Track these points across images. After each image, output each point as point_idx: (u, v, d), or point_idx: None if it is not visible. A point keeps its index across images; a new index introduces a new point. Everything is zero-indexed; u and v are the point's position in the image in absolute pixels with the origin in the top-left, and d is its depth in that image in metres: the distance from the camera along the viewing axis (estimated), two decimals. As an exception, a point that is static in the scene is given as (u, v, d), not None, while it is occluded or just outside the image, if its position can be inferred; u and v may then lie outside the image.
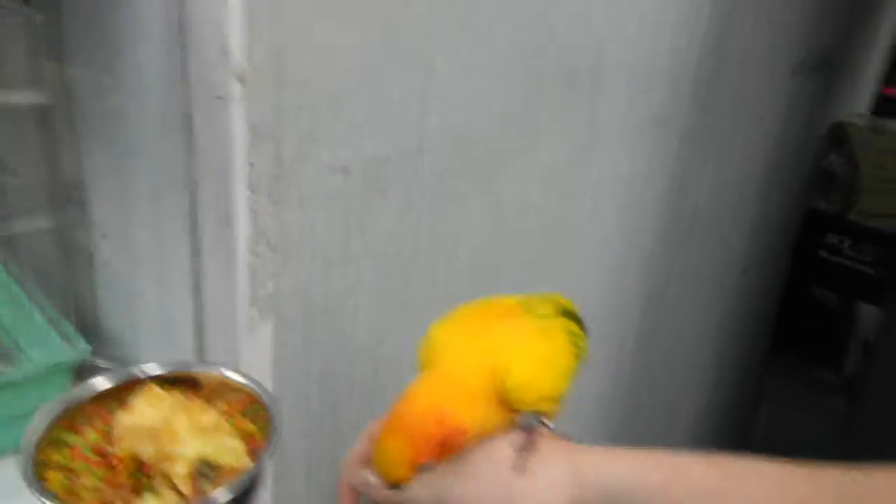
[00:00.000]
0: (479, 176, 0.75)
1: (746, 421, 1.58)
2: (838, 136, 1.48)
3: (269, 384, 0.65)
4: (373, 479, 0.40)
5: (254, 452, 0.44)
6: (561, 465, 0.36)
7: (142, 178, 0.66)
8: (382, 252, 0.71)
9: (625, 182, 0.90)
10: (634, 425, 1.15)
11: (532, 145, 0.78)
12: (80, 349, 0.68)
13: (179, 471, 0.40)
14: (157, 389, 0.46)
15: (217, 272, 0.61)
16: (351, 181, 0.64)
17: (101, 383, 0.46)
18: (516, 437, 0.38)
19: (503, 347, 0.38)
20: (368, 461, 0.41)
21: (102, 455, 0.43)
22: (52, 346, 0.69)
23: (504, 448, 0.37)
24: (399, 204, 0.70)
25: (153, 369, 0.47)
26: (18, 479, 0.64)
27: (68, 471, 0.42)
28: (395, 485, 0.37)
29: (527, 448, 0.37)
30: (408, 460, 0.36)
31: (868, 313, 1.58)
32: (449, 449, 0.36)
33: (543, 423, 0.39)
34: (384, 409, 0.81)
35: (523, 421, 0.39)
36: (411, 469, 0.36)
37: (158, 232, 0.65)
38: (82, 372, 0.68)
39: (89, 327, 0.76)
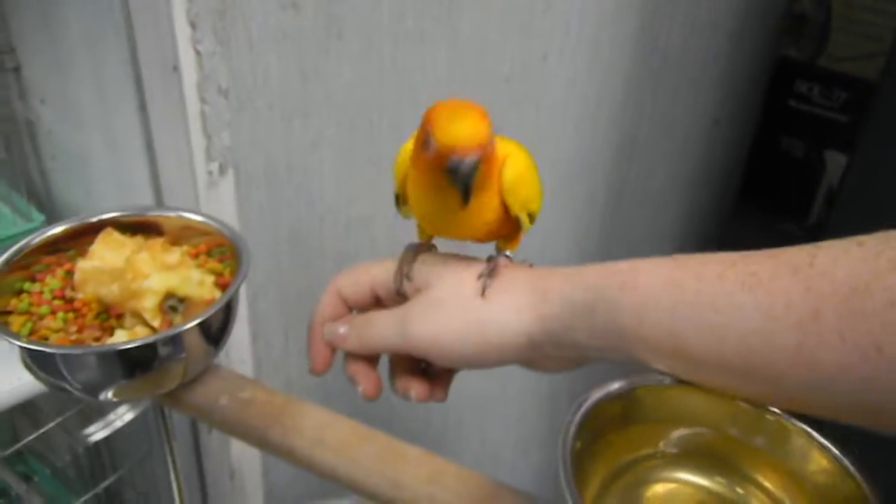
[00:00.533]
0: (439, 12, 0.70)
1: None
2: (810, -23, 1.43)
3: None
4: (343, 329, 0.39)
5: (223, 288, 0.43)
6: (524, 286, 0.36)
7: (75, 30, 0.61)
8: (344, 101, 0.68)
9: (593, 21, 0.86)
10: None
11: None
12: (33, 220, 0.66)
13: (147, 304, 0.39)
14: (116, 234, 0.44)
15: (168, 125, 0.58)
16: (303, 18, 0.60)
17: (54, 228, 0.44)
18: (479, 267, 0.38)
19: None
20: (338, 316, 0.41)
21: (66, 300, 0.42)
22: (4, 220, 0.66)
23: (468, 278, 0.37)
24: (358, 47, 0.66)
25: (109, 215, 0.45)
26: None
27: (32, 316, 0.41)
28: (469, 162, 0.33)
29: (490, 275, 0.37)
30: (483, 118, 0.33)
31: (835, 162, 1.59)
32: (489, 145, 0.34)
33: (504, 255, 0.39)
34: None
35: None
36: (489, 127, 0.33)
37: (99, 87, 0.61)
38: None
39: (42, 200, 0.72)
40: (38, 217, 0.65)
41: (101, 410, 0.58)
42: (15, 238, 0.65)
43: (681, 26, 1.01)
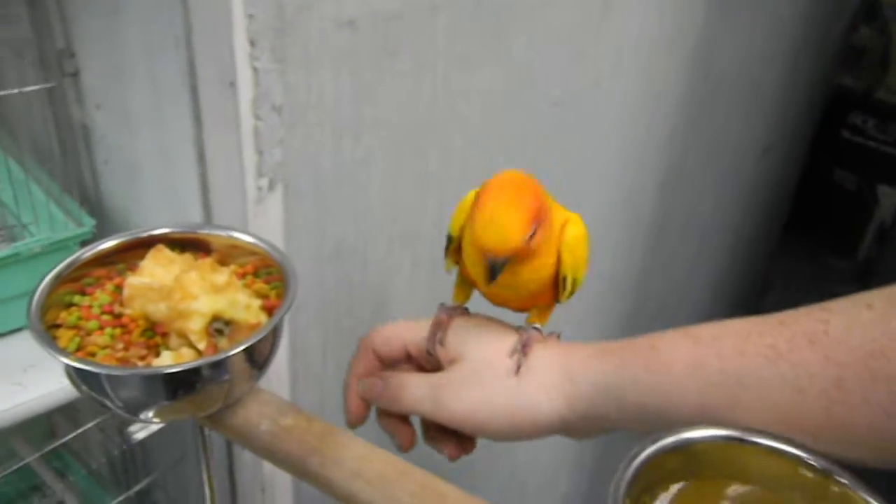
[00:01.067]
0: (492, 36, 0.70)
1: (755, 305, 1.58)
2: (870, 6, 1.39)
3: (281, 257, 0.63)
4: (379, 385, 0.41)
5: (269, 310, 0.42)
6: (554, 367, 0.37)
7: (135, 40, 0.62)
8: (395, 120, 0.68)
9: (646, 47, 0.84)
10: (645, 305, 1.15)
11: (545, 3, 0.73)
12: (84, 225, 0.66)
13: (194, 326, 0.39)
14: (166, 251, 0.44)
15: (221, 138, 0.58)
16: (359, 38, 0.60)
17: (106, 242, 0.44)
18: (511, 339, 0.39)
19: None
20: (372, 371, 0.42)
21: (114, 315, 0.42)
22: (55, 222, 0.67)
23: (501, 354, 0.38)
24: (411, 67, 0.66)
25: (160, 230, 0.45)
26: (30, 354, 0.64)
27: (80, 330, 0.41)
28: (501, 260, 0.35)
29: (522, 352, 0.38)
30: (521, 223, 0.34)
31: (888, 197, 1.54)
32: (543, 218, 0.35)
33: (535, 327, 0.40)
34: (400, 287, 0.80)
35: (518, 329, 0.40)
36: (525, 233, 0.34)
37: (155, 97, 0.61)
38: (89, 248, 0.66)
39: (92, 204, 0.73)
40: (89, 222, 0.66)
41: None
42: (64, 242, 0.66)
43: (735, 53, 0.99)
